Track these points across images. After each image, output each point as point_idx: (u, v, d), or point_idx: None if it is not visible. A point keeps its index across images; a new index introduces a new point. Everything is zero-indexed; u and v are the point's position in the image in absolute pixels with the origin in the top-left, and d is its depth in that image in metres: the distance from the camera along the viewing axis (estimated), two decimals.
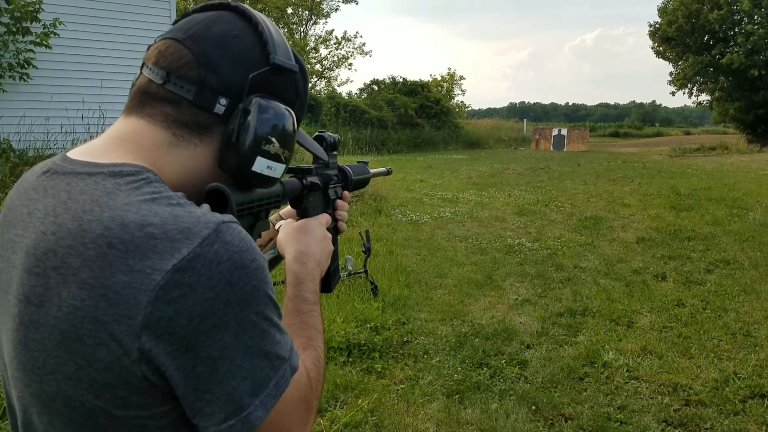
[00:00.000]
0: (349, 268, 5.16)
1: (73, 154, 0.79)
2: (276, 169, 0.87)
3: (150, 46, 0.85)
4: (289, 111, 0.87)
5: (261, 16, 0.86)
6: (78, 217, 0.69)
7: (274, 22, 0.89)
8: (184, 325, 0.65)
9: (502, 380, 3.76)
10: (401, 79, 32.25)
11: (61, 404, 0.70)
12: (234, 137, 0.81)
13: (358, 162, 1.39)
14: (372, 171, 1.46)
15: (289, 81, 0.89)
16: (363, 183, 1.39)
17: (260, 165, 0.84)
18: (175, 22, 0.87)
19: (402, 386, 3.67)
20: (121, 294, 0.65)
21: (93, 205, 0.70)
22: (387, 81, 32.50)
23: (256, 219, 0.93)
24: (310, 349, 0.88)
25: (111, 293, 0.65)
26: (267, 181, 0.87)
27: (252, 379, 0.71)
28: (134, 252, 0.66)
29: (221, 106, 0.81)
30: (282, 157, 0.87)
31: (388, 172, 1.66)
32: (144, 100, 0.81)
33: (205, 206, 0.74)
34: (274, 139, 0.84)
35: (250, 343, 0.70)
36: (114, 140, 0.80)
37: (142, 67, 0.83)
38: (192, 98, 0.79)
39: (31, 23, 8.62)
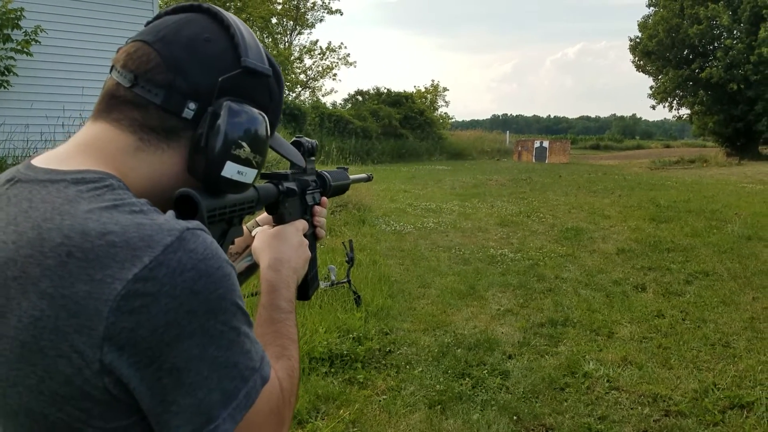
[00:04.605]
0: (332, 277, 5.12)
1: (38, 161, 0.77)
2: (247, 175, 0.84)
3: (120, 48, 0.83)
4: (261, 115, 0.85)
5: (233, 19, 0.85)
6: (38, 225, 0.68)
7: (248, 26, 0.87)
8: (147, 336, 0.64)
9: (483, 390, 3.76)
10: (385, 90, 32.38)
11: (24, 417, 0.69)
12: (203, 141, 0.79)
13: (337, 168, 1.38)
14: (352, 177, 1.45)
15: (261, 84, 0.87)
16: (342, 189, 1.37)
17: (230, 170, 0.81)
18: (147, 23, 0.85)
19: (384, 397, 3.66)
20: (81, 304, 0.63)
21: (53, 213, 0.68)
22: (371, 92, 32.62)
23: (228, 225, 0.91)
24: (283, 359, 0.86)
25: (71, 303, 0.64)
26: (238, 186, 0.84)
27: (220, 391, 0.69)
28: (94, 261, 0.64)
29: (190, 110, 0.79)
30: (253, 162, 0.84)
31: (369, 179, 1.65)
32: (111, 104, 0.79)
33: (170, 213, 0.72)
34: (244, 144, 0.82)
35: (217, 353, 0.68)
36: (79, 146, 0.79)
37: (111, 70, 0.82)
38: (160, 102, 0.78)
39: (12, 30, 8.56)
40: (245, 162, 0.83)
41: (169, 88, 0.78)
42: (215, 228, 0.86)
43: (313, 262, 1.17)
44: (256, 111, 0.84)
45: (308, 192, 1.17)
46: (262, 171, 0.92)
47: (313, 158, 1.21)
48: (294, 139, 1.16)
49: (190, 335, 0.66)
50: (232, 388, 0.70)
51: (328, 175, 1.28)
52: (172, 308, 0.65)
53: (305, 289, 1.16)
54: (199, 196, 0.80)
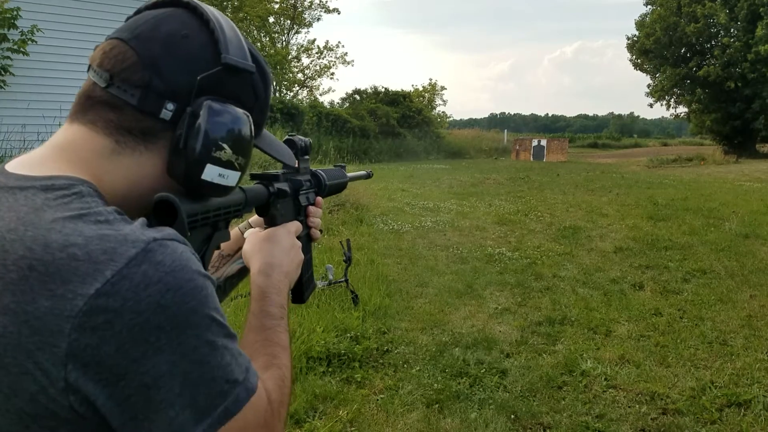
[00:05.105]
0: (330, 277, 5.14)
1: (11, 166, 0.75)
2: (229, 177, 0.81)
3: (97, 46, 0.80)
4: (245, 114, 0.82)
5: (214, 13, 0.81)
6: (2, 236, 0.65)
7: (230, 20, 0.84)
8: (112, 353, 0.61)
9: (481, 389, 3.76)
10: (383, 89, 32.40)
11: None
12: (181, 143, 0.76)
13: (334, 166, 1.35)
14: (350, 175, 1.41)
15: (244, 82, 0.83)
16: (339, 188, 1.34)
17: (211, 173, 0.78)
18: (127, 19, 0.82)
19: (382, 396, 3.65)
20: (43, 320, 0.61)
21: (18, 223, 0.66)
22: (369, 91, 32.63)
23: (213, 230, 0.87)
24: (273, 369, 0.83)
25: (33, 319, 0.61)
26: (220, 189, 0.81)
27: (193, 408, 0.65)
28: (55, 275, 0.62)
29: (168, 111, 0.76)
30: (236, 164, 0.81)
31: (369, 176, 1.60)
32: (87, 105, 0.77)
33: (139, 221, 0.69)
34: (225, 146, 0.78)
35: (190, 369, 0.65)
36: (53, 149, 0.76)
37: (88, 69, 0.79)
38: (136, 103, 0.75)
39: (8, 30, 8.55)
40: (227, 164, 0.80)
41: (145, 88, 0.75)
42: (199, 233, 0.83)
43: (308, 264, 1.14)
44: (238, 110, 0.81)
45: (302, 192, 1.13)
46: (251, 172, 0.90)
47: (306, 157, 1.17)
48: (286, 137, 1.12)
49: (158, 351, 0.63)
50: (207, 405, 0.67)
51: (324, 174, 1.24)
52: (137, 324, 0.62)
53: (300, 291, 1.13)
54: (179, 201, 0.76)
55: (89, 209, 0.67)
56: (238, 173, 0.83)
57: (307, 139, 1.16)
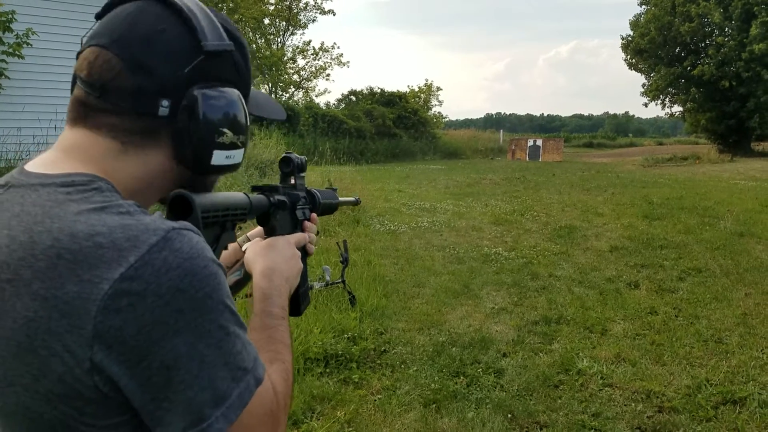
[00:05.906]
0: (327, 278, 5.15)
1: (30, 166, 0.79)
2: (236, 156, 0.87)
3: (78, 53, 0.82)
4: (236, 95, 0.85)
5: (184, 0, 0.82)
6: (29, 229, 0.70)
7: (201, 3, 0.85)
8: (135, 334, 0.65)
9: (478, 389, 3.77)
10: (379, 90, 32.41)
11: (21, 416, 0.71)
12: (185, 137, 0.80)
13: (327, 188, 1.39)
14: (341, 199, 1.46)
15: (226, 62, 0.85)
16: (331, 209, 1.38)
17: (218, 158, 0.83)
18: (98, 16, 0.84)
19: (379, 396, 3.67)
20: (71, 304, 0.65)
21: (44, 216, 0.70)
22: (365, 91, 32.63)
23: (222, 230, 0.91)
24: (277, 363, 0.86)
25: (62, 304, 0.65)
26: (230, 168, 0.87)
27: (212, 390, 0.69)
28: (83, 262, 0.66)
29: (164, 108, 0.79)
30: (238, 143, 0.86)
31: (357, 203, 1.67)
32: (85, 112, 0.79)
33: (157, 214, 0.73)
34: (226, 129, 0.83)
35: (207, 351, 0.69)
36: (62, 152, 0.79)
37: (76, 78, 0.81)
38: (132, 107, 0.78)
39: (3, 33, 8.53)
40: (231, 146, 0.85)
41: (137, 92, 0.77)
42: (209, 231, 0.87)
43: (304, 276, 1.16)
44: (228, 92, 0.84)
45: (298, 207, 1.17)
46: (252, 184, 0.93)
47: (303, 174, 1.21)
48: (284, 155, 1.17)
49: (178, 333, 0.67)
50: (224, 388, 0.70)
51: (318, 193, 1.28)
52: (159, 306, 0.66)
53: (297, 304, 1.15)
54: (193, 197, 0.80)
55: (110, 202, 0.72)
56: (242, 150, 0.88)
57: (303, 157, 1.20)
